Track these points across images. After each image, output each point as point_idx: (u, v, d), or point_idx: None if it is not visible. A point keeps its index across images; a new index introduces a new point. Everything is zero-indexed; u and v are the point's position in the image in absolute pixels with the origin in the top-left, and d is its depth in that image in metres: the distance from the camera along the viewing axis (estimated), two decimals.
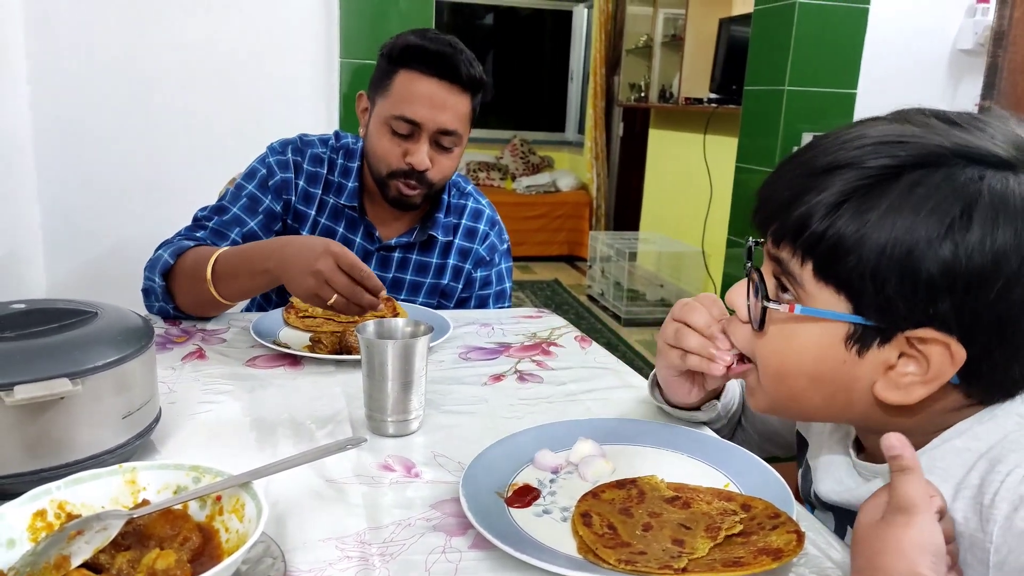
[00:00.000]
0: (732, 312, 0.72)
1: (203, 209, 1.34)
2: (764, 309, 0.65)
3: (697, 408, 0.89)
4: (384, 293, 1.07)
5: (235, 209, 1.31)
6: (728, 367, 0.74)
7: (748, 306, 0.68)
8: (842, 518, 0.72)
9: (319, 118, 1.99)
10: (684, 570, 0.57)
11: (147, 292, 1.24)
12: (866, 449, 0.71)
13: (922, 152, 0.56)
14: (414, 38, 1.25)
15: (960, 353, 0.56)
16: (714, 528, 0.63)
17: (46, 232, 1.90)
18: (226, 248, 1.16)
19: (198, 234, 1.29)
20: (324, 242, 1.04)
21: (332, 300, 1.01)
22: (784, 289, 0.64)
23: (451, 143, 1.29)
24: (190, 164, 1.92)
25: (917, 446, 0.61)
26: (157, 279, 1.19)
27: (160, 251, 1.23)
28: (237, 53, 1.94)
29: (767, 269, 0.65)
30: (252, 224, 1.32)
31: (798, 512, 0.67)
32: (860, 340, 0.60)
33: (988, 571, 0.55)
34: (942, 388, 0.59)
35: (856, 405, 0.63)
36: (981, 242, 0.54)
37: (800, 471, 0.83)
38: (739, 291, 0.69)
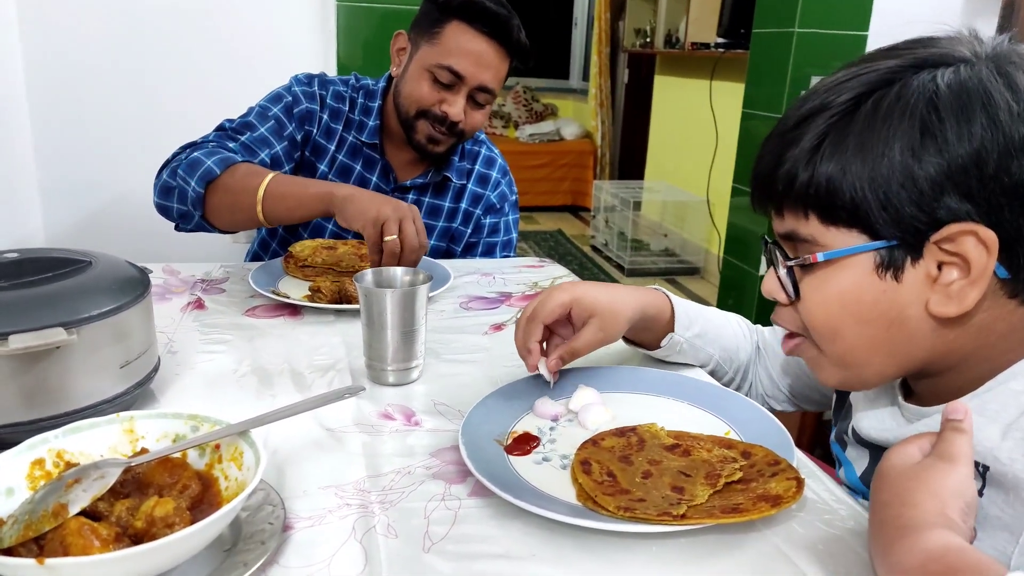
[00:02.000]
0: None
1: (230, 120, 1.31)
2: (789, 272, 0.65)
3: (659, 346, 0.89)
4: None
5: (263, 129, 1.29)
6: (534, 368, 0.80)
7: (781, 284, 0.66)
8: (877, 456, 0.72)
9: (316, 62, 1.95)
10: (683, 516, 0.57)
11: (169, 191, 1.19)
12: (915, 393, 0.70)
13: (878, 77, 0.59)
14: None
15: (990, 236, 0.55)
16: (714, 475, 0.63)
17: (43, 184, 1.88)
18: (278, 172, 1.15)
19: (230, 145, 1.25)
20: (397, 204, 1.05)
21: (390, 238, 1.01)
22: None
23: (485, 100, 1.30)
24: (186, 112, 1.89)
25: (970, 387, 0.61)
26: (195, 184, 1.14)
27: (195, 154, 1.17)
28: None
29: (787, 249, 0.66)
30: (278, 148, 1.30)
31: (798, 459, 0.67)
32: (891, 264, 0.59)
33: None
34: (996, 295, 0.59)
35: (917, 337, 0.61)
36: (958, 132, 0.55)
37: (836, 411, 0.82)
38: (770, 278, 0.68)
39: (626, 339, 0.92)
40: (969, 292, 0.57)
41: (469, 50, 1.24)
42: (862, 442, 0.73)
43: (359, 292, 0.84)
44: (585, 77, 6.34)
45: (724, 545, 0.59)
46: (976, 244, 0.56)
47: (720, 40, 3.86)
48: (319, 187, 1.11)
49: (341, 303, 1.06)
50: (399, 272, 0.89)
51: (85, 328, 0.68)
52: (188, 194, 1.15)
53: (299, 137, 1.33)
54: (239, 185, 1.14)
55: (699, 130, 4.09)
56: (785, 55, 2.20)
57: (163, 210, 1.22)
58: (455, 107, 1.27)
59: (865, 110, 0.58)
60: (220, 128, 1.30)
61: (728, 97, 3.75)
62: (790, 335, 0.70)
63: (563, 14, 6.57)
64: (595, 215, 4.95)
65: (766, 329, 0.97)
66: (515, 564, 0.56)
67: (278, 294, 1.08)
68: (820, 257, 0.61)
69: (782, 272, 0.65)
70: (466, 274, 1.27)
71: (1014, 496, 0.56)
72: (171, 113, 1.90)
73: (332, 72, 1.95)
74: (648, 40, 5.20)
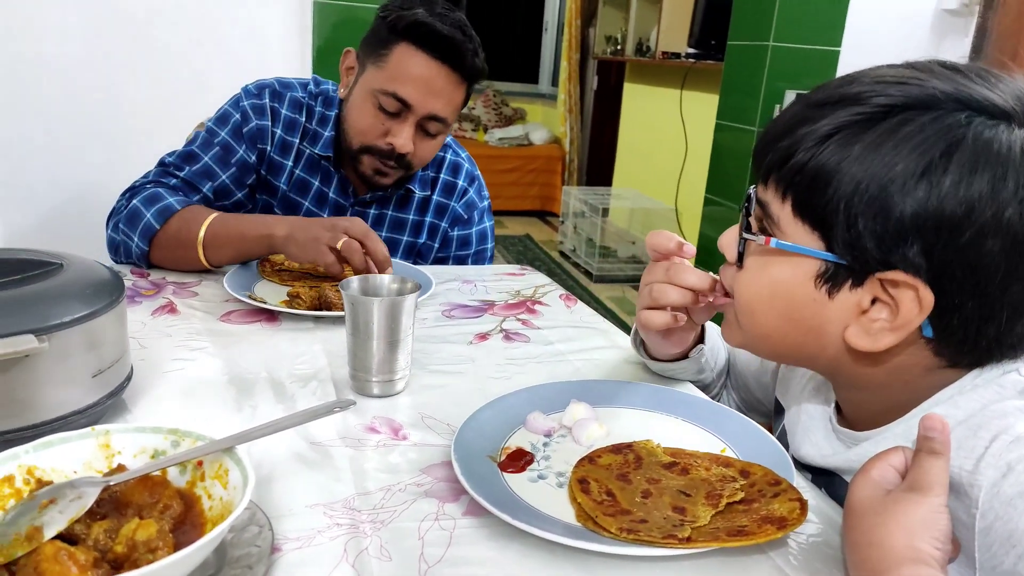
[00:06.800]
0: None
1: (171, 154, 1.26)
2: (742, 241, 0.66)
3: (684, 357, 0.87)
4: (391, 269, 1.05)
5: (207, 158, 1.24)
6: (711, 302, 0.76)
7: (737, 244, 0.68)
8: (816, 480, 0.73)
9: (290, 64, 1.91)
10: (688, 539, 0.56)
11: (116, 248, 1.18)
12: (844, 414, 0.72)
13: (918, 94, 0.56)
14: (424, 13, 1.15)
15: (928, 298, 0.55)
16: (715, 495, 0.62)
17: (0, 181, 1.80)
18: (217, 215, 1.12)
19: (171, 182, 1.22)
20: (332, 219, 1.06)
21: (341, 243, 1.03)
22: (765, 232, 0.65)
23: (437, 129, 1.21)
24: (153, 109, 1.83)
25: (896, 412, 0.62)
26: (138, 240, 1.14)
27: (134, 203, 1.16)
28: None
29: (755, 214, 0.66)
30: (224, 177, 1.24)
31: (797, 479, 0.66)
32: (831, 280, 0.60)
33: (973, 535, 0.54)
34: (914, 344, 0.59)
35: (827, 350, 0.63)
36: (956, 186, 0.53)
37: (775, 435, 0.83)
38: (728, 234, 0.70)
39: (645, 350, 0.89)
40: (886, 336, 0.58)
41: (417, 76, 1.15)
42: (801, 465, 0.74)
43: (344, 300, 0.81)
44: (554, 82, 6.35)
45: (727, 567, 0.57)
46: (913, 299, 0.56)
47: (691, 50, 3.90)
48: (257, 229, 1.10)
49: (321, 309, 1.03)
50: (386, 280, 0.86)
51: (57, 335, 0.64)
52: (133, 250, 1.15)
53: (253, 158, 1.26)
54: (177, 238, 1.13)
55: (668, 139, 4.12)
56: (760, 68, 2.22)
57: (117, 262, 1.20)
58: (401, 137, 1.18)
59: (891, 122, 0.56)
60: (161, 163, 1.25)
61: (698, 107, 3.79)
62: (724, 292, 0.72)
63: (533, 19, 6.57)
64: (563, 221, 4.95)
65: None
66: None
67: (254, 299, 1.05)
68: (773, 243, 0.62)
69: (738, 238, 0.67)
70: (446, 281, 1.25)
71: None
72: (140, 111, 1.84)
73: (308, 72, 1.91)
74: (619, 47, 5.22)
